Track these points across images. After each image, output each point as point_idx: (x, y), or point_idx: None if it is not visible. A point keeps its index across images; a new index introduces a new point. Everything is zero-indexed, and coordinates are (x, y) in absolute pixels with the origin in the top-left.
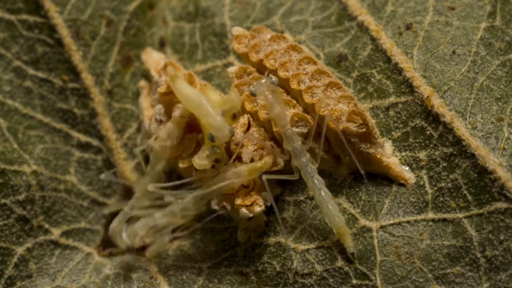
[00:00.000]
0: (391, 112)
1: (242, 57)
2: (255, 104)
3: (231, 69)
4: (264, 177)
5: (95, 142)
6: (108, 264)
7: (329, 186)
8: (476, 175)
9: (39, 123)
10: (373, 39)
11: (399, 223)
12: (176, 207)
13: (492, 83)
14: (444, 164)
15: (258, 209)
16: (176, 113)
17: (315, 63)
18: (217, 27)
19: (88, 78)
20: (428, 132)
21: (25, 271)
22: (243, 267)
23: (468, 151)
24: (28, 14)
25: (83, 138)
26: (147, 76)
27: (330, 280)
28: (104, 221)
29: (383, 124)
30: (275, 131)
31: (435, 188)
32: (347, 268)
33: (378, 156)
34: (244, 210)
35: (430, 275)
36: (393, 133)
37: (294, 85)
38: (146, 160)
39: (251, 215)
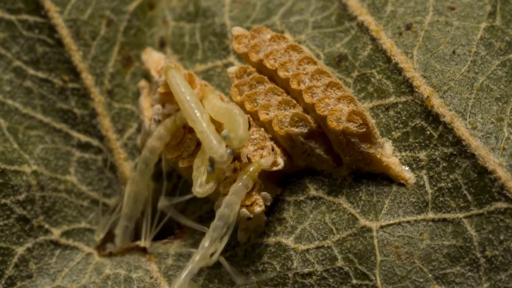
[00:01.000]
0: (391, 112)
1: (242, 57)
2: (255, 104)
3: (231, 69)
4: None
5: (95, 142)
6: (108, 264)
7: (329, 186)
8: (476, 175)
9: (39, 123)
10: (373, 39)
11: (399, 223)
12: (207, 250)
13: (492, 83)
14: (444, 164)
15: (258, 209)
16: (167, 121)
17: (315, 63)
18: (217, 27)
19: (88, 78)
20: (428, 132)
21: (25, 271)
22: (244, 267)
23: (468, 151)
24: (28, 14)
25: (83, 138)
26: (147, 76)
27: (330, 280)
28: (104, 221)
29: (383, 124)
30: (275, 131)
31: (435, 188)
32: (347, 268)
33: (378, 156)
34: (244, 210)
35: (430, 275)
36: (393, 133)
37: (294, 85)
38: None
39: (251, 215)
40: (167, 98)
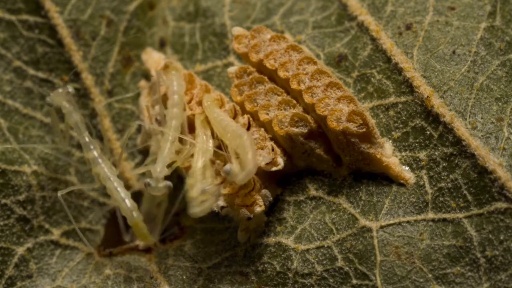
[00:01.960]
0: (391, 112)
1: (242, 57)
2: (255, 104)
3: (231, 69)
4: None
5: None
6: (109, 264)
7: (329, 186)
8: (476, 175)
9: (39, 123)
10: (373, 39)
11: (399, 223)
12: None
13: (492, 83)
14: (444, 164)
15: (258, 209)
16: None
17: (315, 63)
18: (217, 27)
19: (88, 78)
20: (428, 132)
21: (26, 271)
22: (243, 267)
23: (468, 151)
24: (28, 14)
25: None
26: (147, 76)
27: (330, 280)
28: (104, 221)
29: (383, 124)
30: (275, 131)
31: (435, 188)
32: (347, 268)
33: (378, 156)
34: (244, 210)
35: (430, 275)
36: (393, 133)
37: (294, 85)
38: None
39: (251, 215)
40: (168, 98)
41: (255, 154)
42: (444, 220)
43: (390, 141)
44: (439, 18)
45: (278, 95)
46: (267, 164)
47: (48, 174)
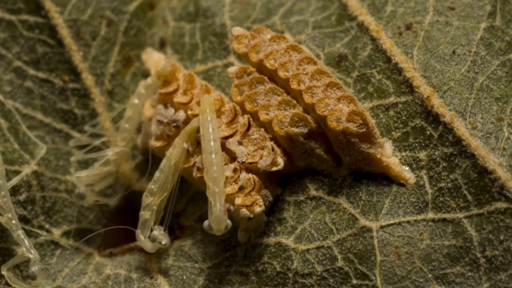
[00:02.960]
0: (391, 112)
1: (242, 57)
2: (255, 104)
3: (231, 69)
4: None
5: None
6: (109, 265)
7: (329, 186)
8: (476, 175)
9: (39, 123)
10: (373, 39)
11: (399, 223)
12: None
13: (492, 83)
14: (444, 164)
15: (258, 209)
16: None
17: (315, 63)
18: (217, 27)
19: (88, 79)
20: (428, 132)
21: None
22: (244, 267)
23: (468, 151)
24: (28, 14)
25: (84, 138)
26: (147, 76)
27: (330, 280)
28: (105, 221)
29: (383, 124)
30: (275, 131)
31: (435, 188)
32: (347, 268)
33: (378, 156)
34: (244, 210)
35: (430, 275)
36: (393, 133)
37: (294, 85)
38: (146, 161)
39: (251, 215)
40: (168, 98)
41: (222, 198)
42: (444, 220)
43: (390, 141)
44: (439, 18)
45: (278, 95)
46: (267, 164)
47: (48, 174)
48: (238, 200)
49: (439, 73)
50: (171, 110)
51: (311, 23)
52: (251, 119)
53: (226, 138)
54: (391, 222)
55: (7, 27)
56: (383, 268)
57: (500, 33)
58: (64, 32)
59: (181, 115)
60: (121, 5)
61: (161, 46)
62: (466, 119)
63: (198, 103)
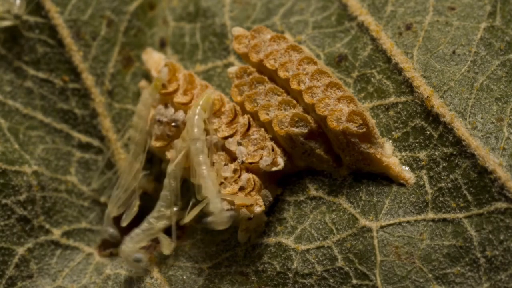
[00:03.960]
0: (391, 112)
1: (243, 57)
2: (255, 104)
3: (232, 69)
4: None
5: (95, 143)
6: (109, 265)
7: (329, 186)
8: (476, 175)
9: (40, 123)
10: (373, 39)
11: (399, 223)
12: (164, 207)
13: (492, 83)
14: (444, 164)
15: (258, 209)
16: (148, 87)
17: (315, 63)
18: (217, 27)
19: (88, 79)
20: (428, 132)
21: (26, 271)
22: (244, 267)
23: (468, 151)
24: (28, 14)
25: (84, 138)
26: (147, 76)
27: (330, 280)
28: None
29: (383, 124)
30: (275, 131)
31: (435, 188)
32: (347, 268)
33: (378, 156)
34: (244, 210)
35: (430, 275)
36: (393, 133)
37: (294, 85)
38: (146, 161)
39: (251, 215)
40: (168, 98)
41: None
42: (444, 220)
43: (390, 141)
44: (439, 18)
45: (278, 95)
46: (267, 164)
47: (48, 174)
48: (238, 201)
49: (439, 73)
50: (171, 110)
51: (311, 23)
52: (251, 119)
53: (226, 138)
54: (391, 222)
55: (7, 27)
56: (383, 268)
57: (500, 33)
58: (64, 32)
59: (180, 115)
60: (121, 5)
61: (161, 46)
62: (466, 119)
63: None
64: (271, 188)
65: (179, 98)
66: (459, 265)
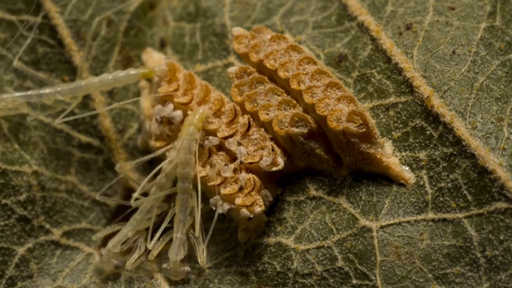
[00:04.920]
0: (391, 112)
1: (243, 57)
2: (255, 104)
3: (232, 69)
4: None
5: (96, 143)
6: None
7: (329, 186)
8: (476, 175)
9: (40, 123)
10: (373, 39)
11: (399, 223)
12: (139, 215)
13: (492, 83)
14: (444, 164)
15: (258, 209)
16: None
17: (315, 63)
18: (217, 27)
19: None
20: (428, 132)
21: (26, 271)
22: (244, 267)
23: (468, 151)
24: (29, 14)
25: (84, 138)
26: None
27: (330, 280)
28: (105, 221)
29: (383, 124)
30: (275, 131)
31: (435, 188)
32: (347, 268)
33: (378, 156)
34: (244, 210)
35: (430, 275)
36: (393, 133)
37: (294, 85)
38: (148, 163)
39: (251, 215)
40: (168, 98)
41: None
42: (444, 220)
43: (390, 141)
44: (439, 18)
45: (278, 95)
46: (267, 164)
47: (48, 174)
48: (238, 200)
49: (439, 73)
50: (170, 107)
51: (311, 23)
52: (251, 119)
53: (226, 138)
54: (391, 222)
55: (7, 27)
56: (383, 268)
57: (500, 33)
58: (64, 32)
59: (178, 114)
60: (122, 5)
61: (161, 46)
62: (466, 119)
63: (199, 103)
64: (271, 188)
65: (179, 98)
66: (459, 265)
